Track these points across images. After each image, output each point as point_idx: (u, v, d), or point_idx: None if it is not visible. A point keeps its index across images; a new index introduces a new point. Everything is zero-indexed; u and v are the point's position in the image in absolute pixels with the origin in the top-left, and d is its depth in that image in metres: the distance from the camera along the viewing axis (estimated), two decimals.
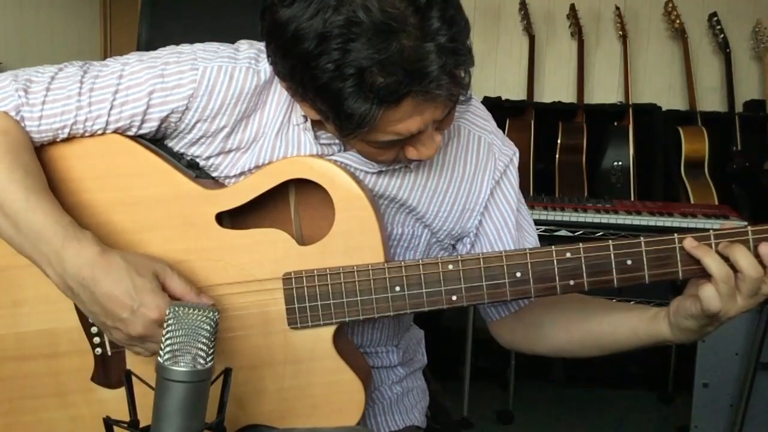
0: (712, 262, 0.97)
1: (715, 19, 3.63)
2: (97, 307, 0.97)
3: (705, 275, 0.99)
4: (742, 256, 0.97)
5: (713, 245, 0.99)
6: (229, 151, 1.12)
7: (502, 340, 1.25)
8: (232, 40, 1.14)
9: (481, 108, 1.21)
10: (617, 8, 3.72)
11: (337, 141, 1.11)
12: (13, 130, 1.03)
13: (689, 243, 1.00)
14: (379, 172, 1.13)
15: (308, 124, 1.10)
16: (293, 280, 1.05)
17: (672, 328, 1.03)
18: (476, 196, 1.18)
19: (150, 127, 1.08)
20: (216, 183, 1.14)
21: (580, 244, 1.02)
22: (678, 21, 3.63)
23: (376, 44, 0.87)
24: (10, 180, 0.99)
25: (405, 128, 0.95)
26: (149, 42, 1.71)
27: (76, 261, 0.96)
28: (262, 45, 1.03)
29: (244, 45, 1.12)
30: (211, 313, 0.87)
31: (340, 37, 0.87)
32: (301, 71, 0.93)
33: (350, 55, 0.88)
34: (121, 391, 1.03)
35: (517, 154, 1.22)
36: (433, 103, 0.93)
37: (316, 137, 1.11)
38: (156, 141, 1.13)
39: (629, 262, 1.01)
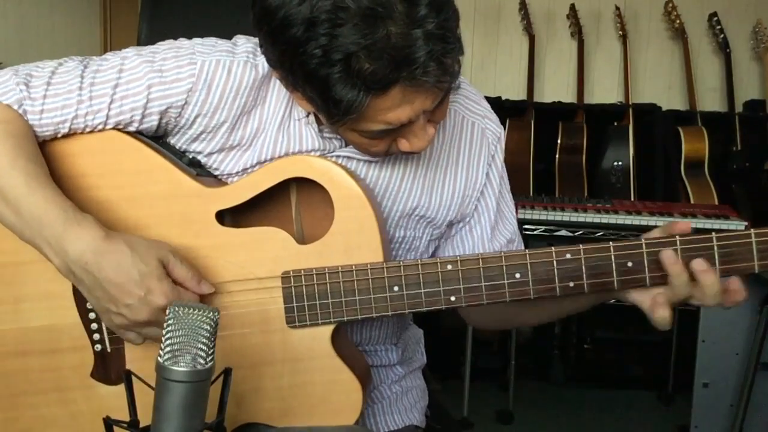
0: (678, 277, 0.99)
1: (715, 19, 3.64)
2: (100, 292, 0.97)
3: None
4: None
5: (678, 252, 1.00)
6: (231, 148, 1.12)
7: (471, 322, 1.33)
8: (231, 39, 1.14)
9: (471, 90, 1.21)
10: (617, 8, 3.72)
11: (339, 135, 1.11)
12: (15, 120, 1.03)
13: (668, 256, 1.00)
14: (383, 162, 1.14)
15: (311, 117, 1.10)
16: (292, 278, 1.05)
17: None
18: (474, 182, 1.19)
19: (150, 122, 1.09)
20: (217, 181, 1.14)
21: (581, 245, 1.02)
22: (678, 21, 3.63)
23: (363, 30, 0.87)
24: (12, 166, 0.99)
25: (395, 117, 0.95)
26: (149, 41, 1.70)
27: (77, 245, 0.97)
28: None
29: (241, 39, 1.12)
30: (211, 313, 0.87)
31: (328, 23, 0.87)
32: (290, 58, 0.93)
33: (337, 40, 0.88)
34: (121, 388, 1.03)
35: (504, 132, 1.23)
36: (422, 91, 0.93)
37: (319, 131, 1.11)
38: (157, 138, 1.13)
39: (630, 264, 1.01)
